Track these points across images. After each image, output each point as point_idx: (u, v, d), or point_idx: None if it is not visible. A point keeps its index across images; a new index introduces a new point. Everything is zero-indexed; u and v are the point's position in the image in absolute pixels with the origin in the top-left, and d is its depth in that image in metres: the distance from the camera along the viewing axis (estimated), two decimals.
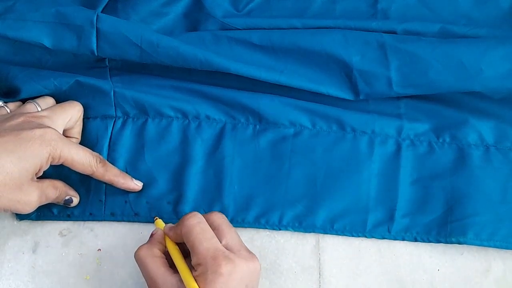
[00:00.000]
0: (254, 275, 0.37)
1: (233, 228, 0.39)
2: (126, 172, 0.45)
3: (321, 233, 0.45)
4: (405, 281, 0.45)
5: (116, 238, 0.45)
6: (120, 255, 0.45)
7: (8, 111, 0.43)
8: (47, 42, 0.44)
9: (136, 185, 0.45)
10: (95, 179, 0.44)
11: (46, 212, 0.45)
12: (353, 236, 0.45)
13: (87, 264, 0.45)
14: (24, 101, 0.45)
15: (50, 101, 0.45)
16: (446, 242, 0.44)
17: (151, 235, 0.41)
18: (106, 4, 0.47)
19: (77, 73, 0.46)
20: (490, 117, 0.47)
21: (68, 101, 0.45)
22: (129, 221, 0.45)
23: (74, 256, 0.45)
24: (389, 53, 0.45)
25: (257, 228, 0.45)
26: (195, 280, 0.35)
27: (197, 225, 0.37)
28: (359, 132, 0.47)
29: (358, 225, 0.45)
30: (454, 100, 0.47)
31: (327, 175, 0.46)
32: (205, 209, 0.45)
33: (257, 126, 0.47)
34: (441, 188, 0.45)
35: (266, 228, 0.45)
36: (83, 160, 0.41)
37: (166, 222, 0.45)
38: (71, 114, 0.44)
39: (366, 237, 0.45)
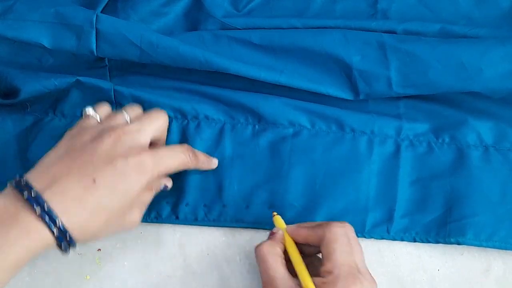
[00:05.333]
0: None
1: (360, 246, 0.39)
2: None
3: None
4: (405, 281, 0.45)
5: (116, 238, 0.45)
6: (120, 255, 0.45)
7: (99, 120, 0.42)
8: (46, 42, 0.44)
9: (215, 163, 0.45)
10: None
11: None
12: None
13: (87, 264, 0.45)
14: (24, 101, 0.45)
15: (137, 109, 0.44)
16: (445, 243, 0.44)
17: (272, 233, 0.41)
18: (106, 4, 0.48)
19: (76, 73, 0.46)
20: (489, 118, 0.47)
21: (155, 111, 0.43)
22: None
23: (74, 256, 0.45)
24: (389, 53, 0.45)
25: (256, 228, 0.45)
26: (317, 285, 0.36)
27: (343, 236, 0.37)
28: (358, 132, 0.47)
29: (357, 225, 0.45)
30: (453, 100, 0.47)
31: (326, 175, 0.46)
32: (205, 209, 0.45)
33: (257, 126, 0.47)
34: (440, 188, 0.45)
35: (266, 229, 0.45)
36: (179, 163, 0.41)
37: (166, 221, 0.45)
38: (159, 125, 0.43)
39: (365, 237, 0.45)
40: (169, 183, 0.43)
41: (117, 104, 0.47)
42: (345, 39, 0.46)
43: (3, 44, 0.46)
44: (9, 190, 0.36)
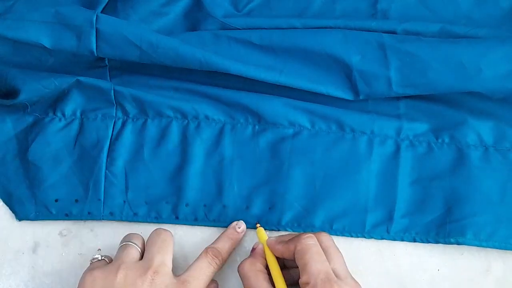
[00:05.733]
0: None
1: (340, 252, 0.40)
2: (125, 173, 0.46)
3: None
4: (405, 281, 0.45)
5: (116, 238, 0.45)
6: None
7: (107, 262, 0.42)
8: (46, 42, 0.44)
9: (242, 230, 0.44)
10: (94, 179, 0.45)
11: (44, 211, 0.45)
12: (352, 236, 0.45)
13: (87, 264, 0.44)
14: (24, 101, 0.45)
15: (141, 238, 0.43)
16: (445, 243, 0.44)
17: (253, 249, 0.42)
18: (106, 4, 0.47)
19: (76, 73, 0.46)
20: (489, 118, 0.47)
21: (162, 232, 0.42)
22: (128, 221, 0.45)
23: (74, 256, 0.45)
24: (389, 53, 0.45)
25: (256, 228, 0.45)
26: None
27: (314, 246, 0.38)
28: (358, 133, 0.47)
29: (357, 226, 0.45)
30: (453, 100, 0.47)
31: (326, 175, 0.46)
32: (205, 210, 0.45)
33: (256, 126, 0.47)
34: (440, 188, 0.45)
35: (266, 229, 0.45)
36: (209, 276, 0.41)
37: (166, 221, 0.45)
38: (172, 245, 0.42)
39: (365, 237, 0.45)
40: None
41: (117, 105, 0.47)
42: (345, 39, 0.46)
43: (3, 44, 0.46)
44: None
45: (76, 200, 0.45)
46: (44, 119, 0.47)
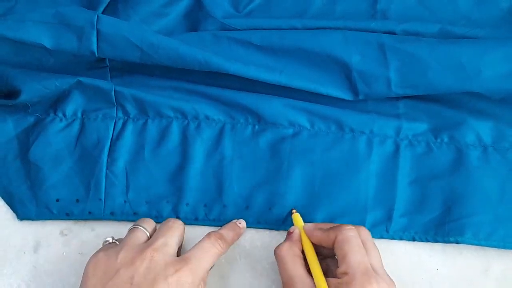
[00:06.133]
0: None
1: (377, 248, 0.40)
2: (126, 173, 0.46)
3: None
4: (405, 281, 0.45)
5: (116, 238, 0.45)
6: None
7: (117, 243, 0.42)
8: (47, 42, 0.44)
9: (243, 226, 0.45)
10: (95, 179, 0.45)
11: (45, 211, 0.45)
12: None
13: None
14: (25, 102, 0.45)
15: (152, 223, 0.43)
16: (444, 242, 0.44)
17: (289, 233, 0.42)
18: (107, 5, 0.48)
19: (77, 74, 0.46)
20: (488, 118, 0.47)
21: (172, 221, 0.42)
22: (128, 220, 0.45)
23: (75, 255, 0.45)
24: (389, 53, 0.45)
25: (256, 228, 0.46)
26: (333, 286, 0.37)
27: (354, 238, 0.38)
28: (357, 132, 0.47)
29: (357, 225, 0.45)
30: (452, 100, 0.47)
31: (325, 175, 0.46)
32: (205, 209, 0.45)
33: (256, 126, 0.47)
34: (439, 188, 0.45)
35: (266, 228, 0.45)
36: (214, 260, 0.40)
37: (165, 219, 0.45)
38: (179, 233, 0.42)
39: None
40: None
41: (118, 105, 0.47)
42: (344, 40, 0.46)
43: (3, 45, 0.46)
44: None
45: (77, 200, 0.46)
46: (45, 119, 0.47)
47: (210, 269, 0.41)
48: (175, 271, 0.38)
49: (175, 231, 0.41)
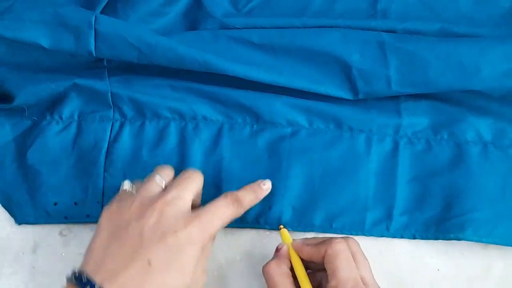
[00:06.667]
0: None
1: (367, 259, 0.39)
2: (125, 175, 0.46)
3: (320, 232, 0.45)
4: (405, 281, 0.45)
5: None
6: None
7: (134, 193, 0.41)
8: (44, 42, 0.44)
9: (268, 187, 0.43)
10: (93, 181, 0.45)
11: (43, 214, 0.45)
12: (352, 234, 0.45)
13: None
14: (21, 106, 0.45)
15: (170, 172, 0.42)
16: (445, 239, 0.44)
17: (277, 250, 0.41)
18: (106, 4, 0.47)
19: (74, 74, 0.46)
20: (488, 115, 0.47)
21: (190, 172, 0.42)
22: None
23: (74, 256, 0.45)
24: (389, 52, 0.45)
25: (256, 228, 0.46)
26: None
27: (344, 251, 0.38)
28: (356, 131, 0.47)
29: (357, 224, 0.45)
30: (452, 97, 0.47)
31: (325, 174, 0.46)
32: None
33: (254, 126, 0.47)
34: (439, 185, 0.45)
35: (265, 228, 0.45)
36: (227, 219, 0.40)
37: None
38: (196, 186, 0.41)
39: (365, 235, 0.45)
40: None
41: (115, 107, 0.47)
42: (344, 39, 0.46)
43: (0, 44, 0.46)
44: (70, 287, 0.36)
45: (75, 203, 0.45)
46: (42, 122, 0.47)
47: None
48: (184, 226, 0.37)
49: (190, 183, 0.40)
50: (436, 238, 0.45)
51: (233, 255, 0.45)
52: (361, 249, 0.40)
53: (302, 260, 0.40)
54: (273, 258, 0.41)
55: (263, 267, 0.40)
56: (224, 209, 0.39)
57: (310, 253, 0.39)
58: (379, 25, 0.48)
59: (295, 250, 0.40)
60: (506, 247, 0.44)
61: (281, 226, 0.44)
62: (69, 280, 0.36)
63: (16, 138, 0.47)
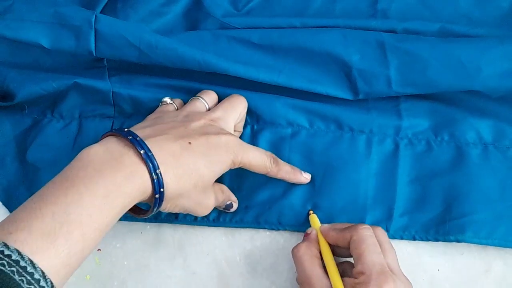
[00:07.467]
0: None
1: (394, 249, 0.40)
2: None
3: None
4: None
5: (116, 238, 0.45)
6: (120, 255, 0.45)
7: (176, 108, 0.44)
8: (45, 42, 0.44)
9: (306, 178, 0.45)
10: None
11: None
12: None
13: (87, 264, 0.45)
14: (22, 104, 0.45)
15: (214, 96, 0.45)
16: (445, 241, 0.44)
17: (307, 234, 0.42)
18: (106, 4, 0.48)
19: (75, 74, 0.46)
20: (489, 116, 0.47)
21: (234, 97, 0.45)
22: (127, 221, 0.45)
23: None
24: (389, 52, 0.45)
25: (256, 228, 0.45)
26: (350, 286, 0.37)
27: (370, 237, 0.38)
28: (357, 132, 0.47)
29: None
30: (452, 98, 0.47)
31: (325, 174, 0.45)
32: None
33: (255, 126, 0.47)
34: (439, 186, 0.45)
35: (265, 228, 0.45)
36: (259, 162, 0.42)
37: (165, 221, 0.45)
38: (240, 111, 0.44)
39: None
40: (235, 204, 0.44)
41: (116, 105, 0.47)
42: (344, 39, 0.46)
43: (1, 44, 0.46)
44: (110, 138, 0.36)
45: None
46: (43, 120, 0.47)
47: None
48: (227, 134, 0.40)
49: (235, 108, 0.44)
50: (436, 240, 0.44)
51: (233, 255, 0.45)
52: (388, 239, 0.40)
53: (330, 246, 0.41)
54: (302, 241, 0.41)
55: (293, 249, 0.41)
56: (263, 155, 0.42)
57: (336, 238, 0.40)
58: (379, 25, 0.48)
59: (322, 234, 0.41)
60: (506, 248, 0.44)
61: (311, 212, 0.44)
62: (111, 133, 0.37)
63: (16, 136, 0.47)
